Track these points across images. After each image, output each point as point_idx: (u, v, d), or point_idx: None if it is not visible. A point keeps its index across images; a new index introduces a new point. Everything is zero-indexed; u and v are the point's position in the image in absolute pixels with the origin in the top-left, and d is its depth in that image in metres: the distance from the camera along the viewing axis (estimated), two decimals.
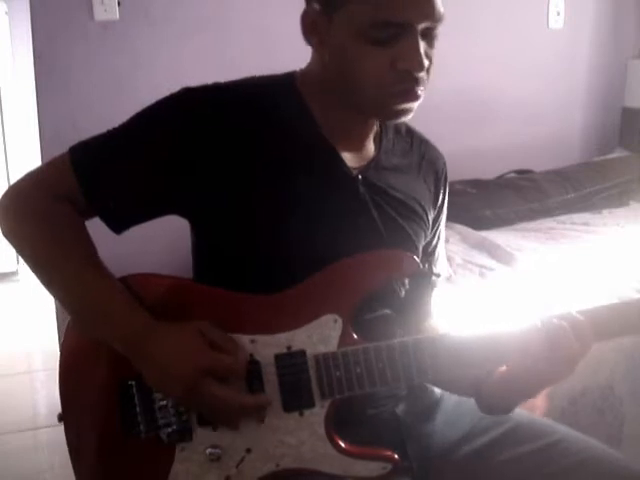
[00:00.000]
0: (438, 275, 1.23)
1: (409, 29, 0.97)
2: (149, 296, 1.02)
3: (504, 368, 1.04)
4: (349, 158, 1.09)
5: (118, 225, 1.06)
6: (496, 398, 1.07)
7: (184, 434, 0.99)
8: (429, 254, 1.23)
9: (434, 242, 1.23)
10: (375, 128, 1.13)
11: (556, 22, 3.03)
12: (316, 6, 1.01)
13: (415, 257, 1.06)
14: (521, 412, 1.21)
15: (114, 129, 1.06)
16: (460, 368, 1.01)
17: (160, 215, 1.07)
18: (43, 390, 2.74)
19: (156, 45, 2.50)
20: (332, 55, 1.02)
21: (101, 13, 2.41)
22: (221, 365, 0.95)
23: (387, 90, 1.00)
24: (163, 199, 1.05)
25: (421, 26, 0.97)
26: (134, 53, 2.48)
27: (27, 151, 3.34)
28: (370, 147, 1.13)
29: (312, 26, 1.02)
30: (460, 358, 1.00)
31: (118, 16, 2.43)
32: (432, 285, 1.24)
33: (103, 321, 0.99)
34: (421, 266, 1.06)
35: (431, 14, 0.97)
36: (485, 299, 1.90)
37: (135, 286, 1.02)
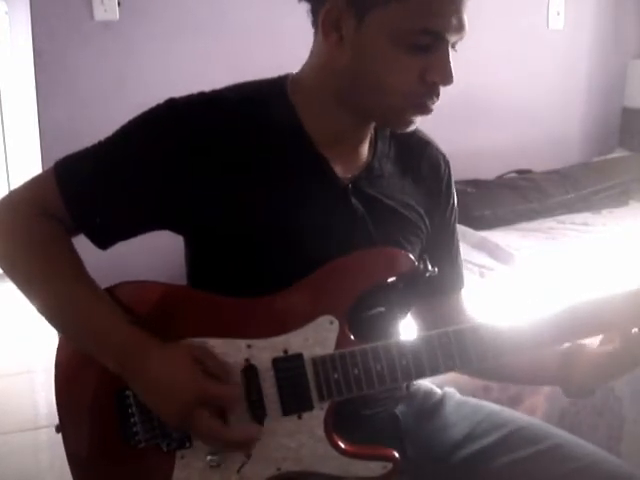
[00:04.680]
0: (434, 272, 1.22)
1: (441, 41, 0.95)
2: (141, 304, 1.00)
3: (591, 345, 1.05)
4: (341, 167, 1.07)
5: (103, 242, 1.05)
6: (588, 377, 1.07)
7: (183, 441, 0.99)
8: (450, 263, 1.21)
9: (452, 250, 1.22)
10: (371, 133, 1.10)
11: (556, 22, 3.03)
12: (343, 2, 0.96)
13: (410, 254, 1.05)
14: (521, 416, 1.21)
15: (100, 143, 1.04)
16: (466, 365, 1.01)
17: (147, 231, 1.06)
18: (43, 390, 2.72)
19: (156, 45, 2.50)
20: (354, 56, 0.98)
21: (101, 13, 2.42)
22: (216, 396, 0.94)
23: (410, 100, 0.99)
24: (150, 216, 1.04)
25: (452, 39, 0.96)
26: (134, 53, 2.49)
27: (27, 151, 3.34)
28: (364, 153, 1.10)
29: (336, 23, 0.97)
30: (463, 354, 1.00)
31: (118, 16, 2.44)
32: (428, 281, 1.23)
33: (93, 341, 0.98)
34: (416, 263, 1.05)
35: (463, 28, 0.96)
36: (485, 299, 1.90)
37: (126, 295, 1.01)
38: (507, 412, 1.22)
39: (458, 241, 1.25)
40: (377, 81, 0.98)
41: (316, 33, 1.03)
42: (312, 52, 1.06)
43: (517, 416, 1.20)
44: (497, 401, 1.39)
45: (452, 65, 0.97)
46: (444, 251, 1.21)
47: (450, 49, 0.98)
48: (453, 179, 1.21)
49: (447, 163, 1.20)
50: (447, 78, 0.97)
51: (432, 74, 0.97)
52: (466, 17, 0.96)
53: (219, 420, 0.94)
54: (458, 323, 1.16)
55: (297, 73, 1.08)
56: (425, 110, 1.01)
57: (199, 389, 0.93)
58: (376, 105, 1.01)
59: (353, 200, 1.07)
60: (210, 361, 0.96)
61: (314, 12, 1.01)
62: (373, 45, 0.96)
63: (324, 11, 0.98)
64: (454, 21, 0.95)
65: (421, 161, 1.16)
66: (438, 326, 1.14)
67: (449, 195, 1.20)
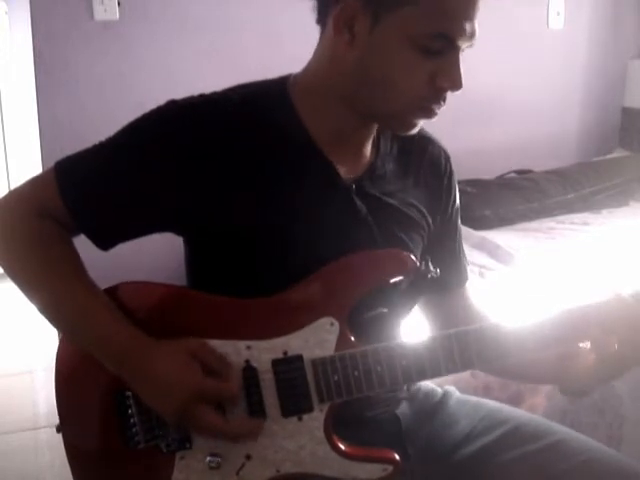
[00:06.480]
0: (436, 273, 1.22)
1: (453, 46, 0.96)
2: (141, 305, 1.01)
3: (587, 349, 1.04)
4: (344, 167, 1.07)
5: (104, 243, 1.04)
6: (578, 381, 1.06)
7: (183, 442, 0.99)
8: (454, 258, 1.22)
9: (456, 245, 1.23)
10: (373, 133, 1.10)
11: (556, 22, 3.03)
12: (359, 2, 0.96)
13: (412, 256, 1.04)
14: (522, 412, 1.21)
15: (100, 144, 1.04)
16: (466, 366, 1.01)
17: (149, 232, 1.05)
18: (43, 390, 2.72)
19: (156, 45, 2.50)
20: (365, 56, 0.98)
21: (101, 13, 2.42)
22: (215, 392, 0.95)
23: (417, 103, 0.99)
24: (151, 217, 1.03)
25: (463, 45, 0.97)
26: (134, 53, 2.49)
27: (27, 151, 3.34)
28: (367, 153, 1.10)
29: (349, 22, 0.97)
30: (465, 356, 0.99)
31: (118, 16, 2.44)
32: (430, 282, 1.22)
33: (92, 342, 0.98)
34: (418, 264, 1.05)
35: (474, 34, 0.97)
36: (485, 299, 1.90)
37: (126, 295, 1.01)
38: (508, 409, 1.22)
39: (461, 236, 1.25)
40: (386, 82, 0.98)
41: (322, 33, 1.03)
42: (316, 52, 1.05)
43: (518, 413, 1.20)
44: (497, 400, 1.39)
45: (462, 71, 0.98)
46: (447, 247, 1.22)
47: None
48: (455, 174, 1.21)
49: (448, 159, 1.20)
50: (456, 83, 0.98)
51: (442, 79, 0.97)
52: (477, 24, 0.97)
53: (219, 413, 0.95)
54: (465, 318, 1.18)
55: (299, 73, 1.07)
56: (430, 114, 1.01)
57: (197, 385, 0.93)
58: (382, 107, 1.01)
59: (356, 201, 1.07)
60: (209, 357, 0.96)
61: (322, 11, 1.01)
62: (386, 46, 0.96)
63: (338, 10, 0.97)
64: (467, 27, 0.95)
65: (422, 159, 1.16)
66: (447, 322, 1.18)
67: (450, 190, 1.20)
